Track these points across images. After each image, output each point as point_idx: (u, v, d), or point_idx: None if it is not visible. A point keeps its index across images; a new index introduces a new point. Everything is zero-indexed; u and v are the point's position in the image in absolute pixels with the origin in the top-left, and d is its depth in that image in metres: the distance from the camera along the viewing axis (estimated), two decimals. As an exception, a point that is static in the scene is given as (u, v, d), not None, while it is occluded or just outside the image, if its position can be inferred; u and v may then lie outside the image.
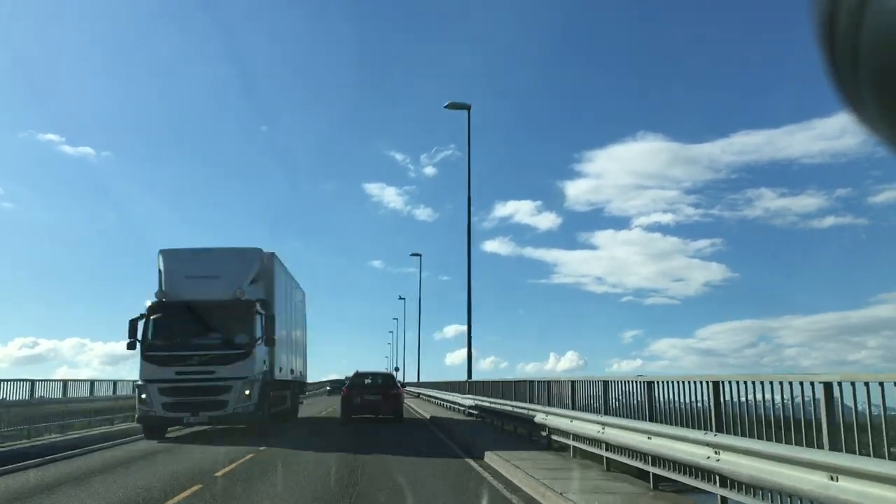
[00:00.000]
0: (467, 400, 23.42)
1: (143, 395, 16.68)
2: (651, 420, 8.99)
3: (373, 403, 22.19)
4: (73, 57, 76.25)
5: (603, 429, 10.21)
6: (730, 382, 7.16)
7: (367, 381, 23.34)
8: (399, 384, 24.64)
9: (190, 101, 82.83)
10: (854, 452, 5.15)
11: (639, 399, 9.53)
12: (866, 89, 0.98)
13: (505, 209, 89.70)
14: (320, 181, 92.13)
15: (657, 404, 8.98)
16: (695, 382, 7.88)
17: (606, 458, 10.36)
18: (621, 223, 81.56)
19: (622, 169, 79.88)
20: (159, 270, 17.80)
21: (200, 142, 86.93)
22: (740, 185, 73.26)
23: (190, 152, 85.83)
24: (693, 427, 7.75)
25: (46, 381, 18.80)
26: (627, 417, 9.84)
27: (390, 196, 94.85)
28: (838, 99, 1.03)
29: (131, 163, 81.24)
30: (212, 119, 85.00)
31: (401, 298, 65.11)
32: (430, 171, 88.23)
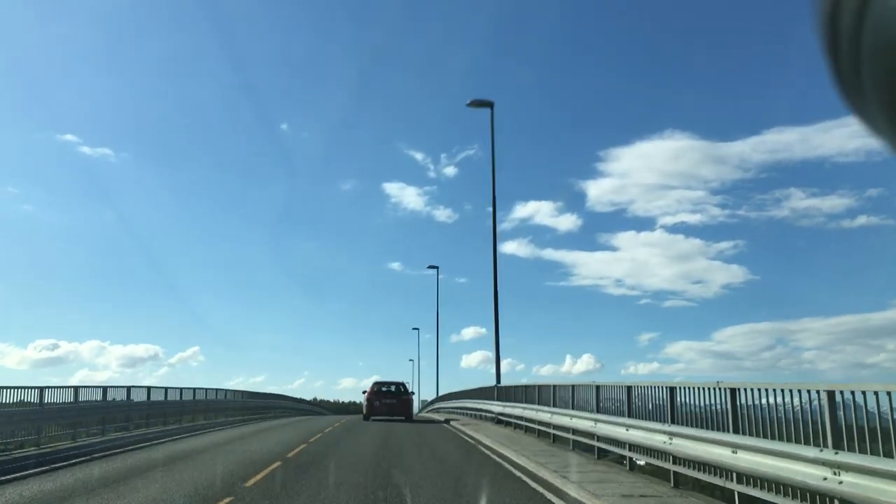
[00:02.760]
0: (496, 407, 23.69)
1: None
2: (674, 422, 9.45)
3: (389, 406, 27.85)
4: (89, 58, 77.18)
5: (671, 439, 9.15)
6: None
7: (384, 388, 28.74)
8: (410, 391, 29.48)
9: (209, 102, 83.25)
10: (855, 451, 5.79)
11: (660, 401, 10.06)
12: (869, 90, 0.99)
13: (525, 210, 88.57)
14: (339, 180, 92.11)
15: (676, 407, 9.52)
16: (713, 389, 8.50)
17: (674, 472, 9.42)
18: (644, 224, 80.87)
19: (648, 167, 78.60)
20: None
21: (219, 142, 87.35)
22: (769, 184, 72.28)
23: (209, 152, 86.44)
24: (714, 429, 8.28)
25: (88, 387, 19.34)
26: (696, 426, 8.83)
27: (410, 196, 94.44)
28: (841, 100, 1.04)
29: (150, 164, 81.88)
30: (230, 119, 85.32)
31: (414, 329, 66.11)
32: (450, 171, 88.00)
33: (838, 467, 5.77)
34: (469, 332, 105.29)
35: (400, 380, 30.60)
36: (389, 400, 27.99)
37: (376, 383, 29.18)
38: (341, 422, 26.62)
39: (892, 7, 0.92)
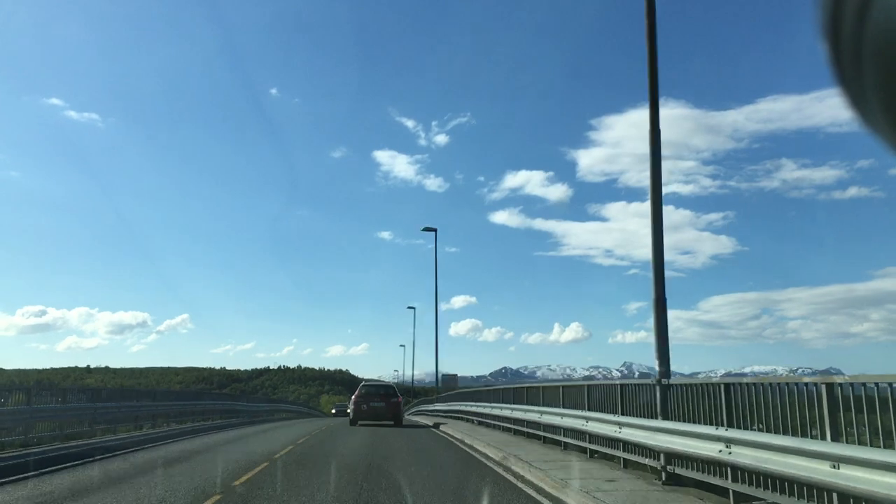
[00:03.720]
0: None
1: None
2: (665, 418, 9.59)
3: (377, 410, 26.29)
4: (74, 21, 74.81)
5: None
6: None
7: (373, 391, 27.26)
8: (399, 395, 27.71)
9: (199, 67, 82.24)
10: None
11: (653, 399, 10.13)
12: (870, 91, 0.99)
13: (516, 179, 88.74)
14: (330, 148, 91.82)
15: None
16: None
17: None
18: (635, 195, 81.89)
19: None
20: None
21: (209, 108, 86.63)
22: (762, 155, 73.12)
23: (198, 119, 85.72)
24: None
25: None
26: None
27: (401, 165, 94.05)
28: (842, 100, 1.05)
29: (138, 129, 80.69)
30: (220, 85, 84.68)
31: (410, 308, 64.35)
32: (441, 139, 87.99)
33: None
34: (459, 301, 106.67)
35: (388, 373, 30.06)
36: (378, 403, 26.47)
37: (364, 385, 28.01)
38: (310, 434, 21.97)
39: (893, 8, 0.92)
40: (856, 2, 0.96)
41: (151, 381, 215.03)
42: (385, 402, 26.51)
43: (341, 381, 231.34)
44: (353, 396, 27.50)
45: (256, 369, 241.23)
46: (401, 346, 74.69)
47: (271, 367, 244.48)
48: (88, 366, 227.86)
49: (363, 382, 29.02)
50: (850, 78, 1.01)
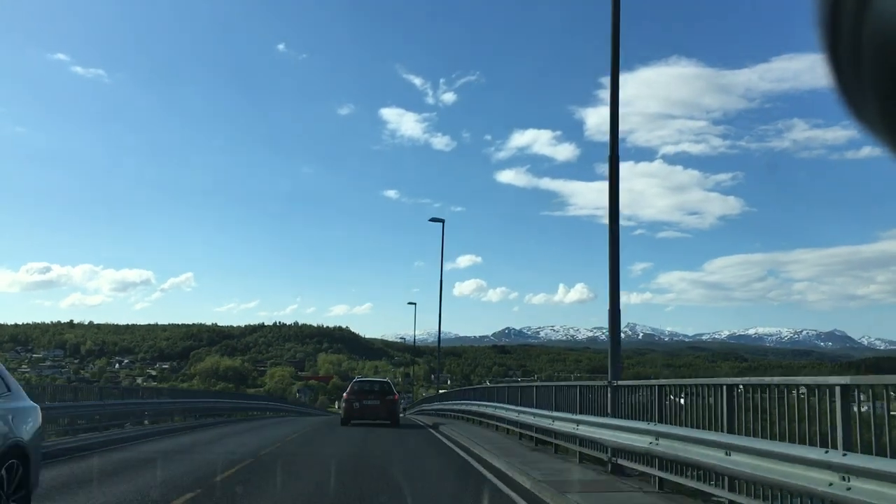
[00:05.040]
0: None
1: None
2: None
3: (371, 408, 24.50)
4: None
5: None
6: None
7: (366, 387, 25.64)
8: (395, 392, 26.28)
9: (205, 22, 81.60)
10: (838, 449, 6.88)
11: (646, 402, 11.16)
12: (868, 92, 1.00)
13: (523, 138, 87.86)
14: (337, 105, 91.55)
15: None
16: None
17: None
18: (643, 154, 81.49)
19: (652, 95, 78.13)
20: None
21: (216, 63, 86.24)
22: (773, 115, 72.62)
23: (205, 74, 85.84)
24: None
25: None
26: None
27: (408, 123, 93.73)
28: (840, 102, 1.04)
29: (145, 85, 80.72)
30: (228, 39, 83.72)
31: (410, 303, 63.78)
32: (449, 97, 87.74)
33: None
34: (464, 261, 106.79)
35: (391, 333, 28.94)
36: (372, 401, 24.60)
37: (356, 381, 26.59)
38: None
39: (892, 8, 0.92)
40: (853, 4, 0.96)
41: (136, 338, 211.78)
42: (380, 400, 24.74)
43: (341, 339, 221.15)
44: (344, 394, 26.25)
45: (250, 325, 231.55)
46: (409, 303, 67.98)
47: (266, 324, 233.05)
48: (71, 321, 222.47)
49: (355, 378, 27.85)
50: (847, 80, 1.02)
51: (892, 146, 1.02)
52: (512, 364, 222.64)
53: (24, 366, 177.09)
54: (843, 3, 0.98)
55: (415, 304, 62.43)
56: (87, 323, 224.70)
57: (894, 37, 0.93)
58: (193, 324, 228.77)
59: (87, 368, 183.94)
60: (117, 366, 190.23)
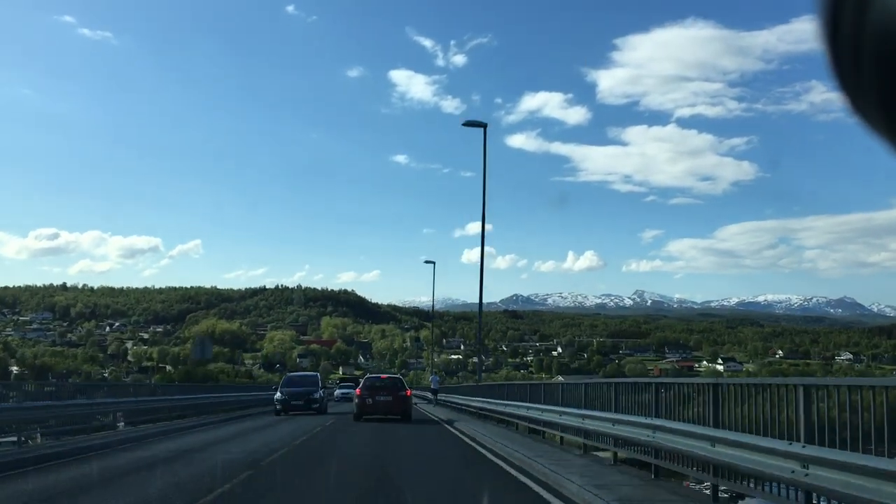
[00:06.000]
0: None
1: None
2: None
3: (384, 404, 24.98)
4: None
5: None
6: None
7: (378, 383, 26.05)
8: (407, 387, 26.51)
9: None
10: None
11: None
12: (870, 90, 1.01)
13: (533, 101, 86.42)
14: (346, 67, 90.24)
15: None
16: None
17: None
18: (656, 118, 79.67)
19: (667, 56, 76.07)
20: None
21: (225, 26, 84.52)
22: (791, 77, 70.70)
23: (214, 36, 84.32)
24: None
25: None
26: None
27: (418, 86, 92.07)
28: (841, 99, 1.06)
29: (153, 47, 79.54)
30: (236, 0, 78.95)
31: (428, 262, 57.03)
32: (459, 59, 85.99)
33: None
34: (474, 228, 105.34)
35: (399, 299, 28.31)
36: (384, 397, 25.13)
37: (369, 377, 27.18)
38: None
39: (892, 8, 0.93)
40: (855, 3, 0.97)
41: (131, 301, 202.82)
42: (392, 396, 25.30)
43: (346, 303, 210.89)
44: (356, 389, 26.93)
45: (250, 289, 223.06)
46: (426, 261, 58.05)
47: (267, 287, 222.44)
48: (65, 283, 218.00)
49: (367, 375, 28.86)
50: (849, 78, 1.03)
51: (892, 143, 1.03)
52: (526, 329, 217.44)
53: (8, 328, 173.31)
54: (844, 3, 0.99)
55: (433, 262, 57.03)
56: (80, 286, 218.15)
57: (895, 33, 0.94)
58: (191, 287, 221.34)
59: (75, 332, 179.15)
60: (108, 329, 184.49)
